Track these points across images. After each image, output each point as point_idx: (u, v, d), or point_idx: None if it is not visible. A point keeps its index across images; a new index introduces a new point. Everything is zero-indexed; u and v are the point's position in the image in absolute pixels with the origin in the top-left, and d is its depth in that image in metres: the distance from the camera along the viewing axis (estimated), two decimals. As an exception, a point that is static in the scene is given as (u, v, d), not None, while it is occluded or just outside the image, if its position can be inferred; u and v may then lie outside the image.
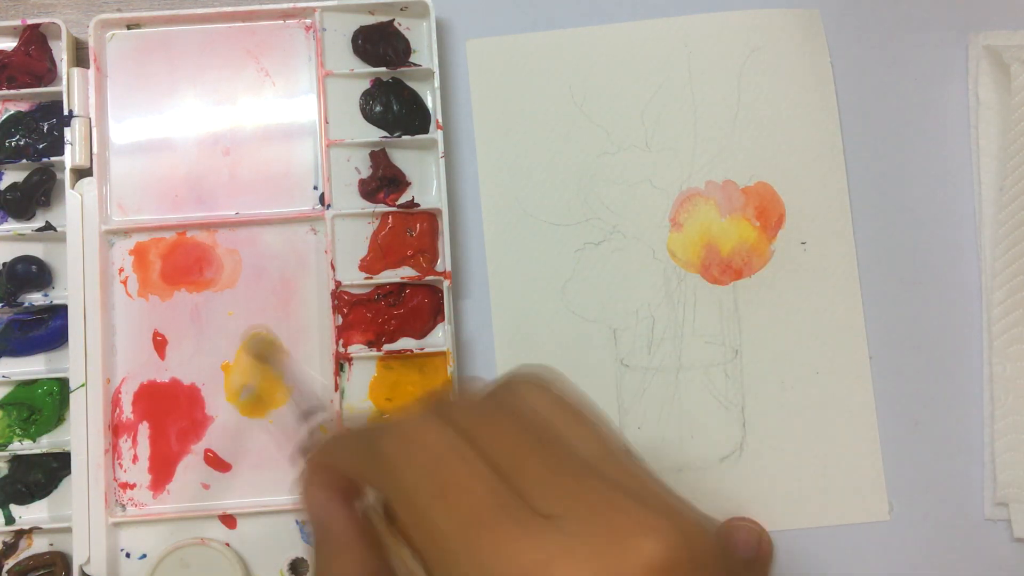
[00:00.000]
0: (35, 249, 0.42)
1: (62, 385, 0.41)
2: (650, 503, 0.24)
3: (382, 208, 0.42)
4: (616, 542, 0.22)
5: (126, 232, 0.42)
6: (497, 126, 0.44)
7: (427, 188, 0.42)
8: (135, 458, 0.41)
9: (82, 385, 0.40)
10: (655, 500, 0.24)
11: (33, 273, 0.41)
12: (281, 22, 0.43)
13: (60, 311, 0.41)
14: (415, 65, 0.43)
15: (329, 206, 0.42)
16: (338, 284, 0.41)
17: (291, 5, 0.43)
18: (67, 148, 0.41)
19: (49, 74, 0.42)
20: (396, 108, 0.43)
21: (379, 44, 0.43)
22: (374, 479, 0.26)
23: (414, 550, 0.25)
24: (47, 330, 0.41)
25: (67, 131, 0.41)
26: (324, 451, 0.29)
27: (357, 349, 0.41)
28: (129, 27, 0.43)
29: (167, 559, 0.39)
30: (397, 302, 0.42)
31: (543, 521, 0.22)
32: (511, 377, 0.27)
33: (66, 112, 0.41)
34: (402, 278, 0.41)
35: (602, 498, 0.23)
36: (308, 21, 0.43)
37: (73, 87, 0.41)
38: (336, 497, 0.28)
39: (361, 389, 0.41)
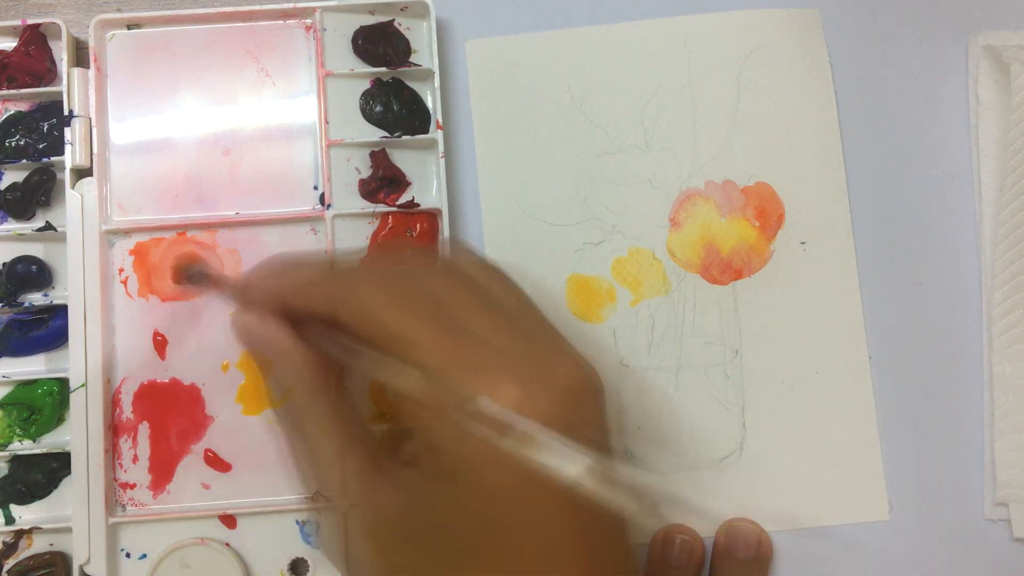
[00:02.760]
0: (35, 249, 0.42)
1: (62, 385, 0.41)
2: (564, 346, 0.31)
3: (382, 208, 0.42)
4: (543, 365, 0.29)
5: (126, 232, 0.42)
6: (497, 126, 0.44)
7: (427, 188, 0.42)
8: (135, 458, 0.41)
9: (82, 385, 0.40)
10: (567, 344, 0.32)
11: (33, 273, 0.41)
12: (281, 22, 0.43)
13: (60, 311, 0.41)
14: (415, 65, 0.43)
15: (329, 206, 0.42)
16: (338, 284, 0.41)
17: (291, 5, 0.43)
18: (67, 148, 0.41)
19: (49, 74, 0.42)
20: (396, 108, 0.43)
21: (379, 44, 0.43)
22: (350, 313, 0.31)
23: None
24: (47, 330, 0.41)
25: (67, 131, 0.41)
26: (267, 284, 0.34)
27: (357, 349, 0.41)
28: (129, 27, 0.43)
29: (167, 559, 0.39)
30: (397, 302, 0.42)
31: (488, 346, 0.29)
32: (456, 252, 0.34)
33: (66, 112, 0.41)
34: (402, 278, 0.41)
35: (530, 340, 0.30)
36: (308, 21, 0.43)
37: (73, 87, 0.41)
38: (281, 320, 0.33)
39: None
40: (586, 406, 0.30)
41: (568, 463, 0.27)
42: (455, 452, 0.28)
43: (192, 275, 0.41)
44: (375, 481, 0.31)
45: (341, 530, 0.32)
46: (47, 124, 0.42)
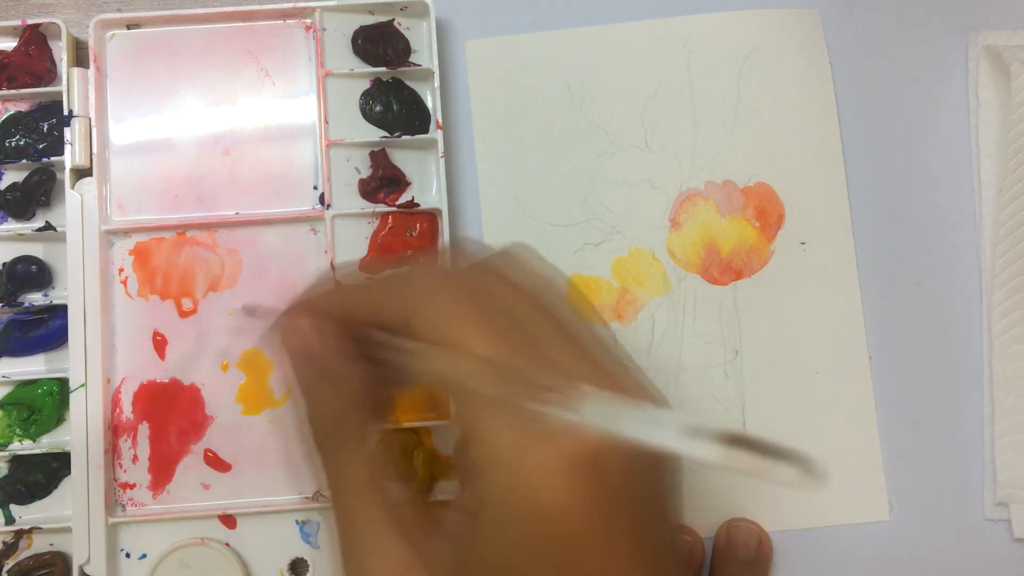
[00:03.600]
0: (35, 249, 0.42)
1: (62, 385, 0.41)
2: (640, 379, 0.27)
3: (382, 208, 0.42)
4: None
5: (126, 232, 0.42)
6: (497, 126, 0.44)
7: (427, 188, 0.42)
8: (135, 458, 0.41)
9: (82, 385, 0.40)
10: (639, 376, 0.27)
11: (33, 273, 0.41)
12: (281, 22, 0.43)
13: (60, 311, 0.41)
14: (415, 65, 0.43)
15: (329, 206, 0.42)
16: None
17: (291, 5, 0.43)
18: (67, 148, 0.41)
19: (49, 74, 0.42)
20: (396, 108, 0.43)
21: (379, 44, 0.43)
22: (394, 322, 0.28)
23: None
24: (47, 330, 0.41)
25: (67, 131, 0.41)
26: (326, 297, 0.32)
27: (357, 349, 0.41)
28: (129, 27, 0.43)
29: (167, 559, 0.39)
30: (397, 302, 0.42)
31: (563, 370, 0.26)
32: (503, 253, 0.30)
33: (66, 112, 0.41)
34: (402, 278, 0.41)
35: (601, 370, 0.26)
36: (308, 21, 0.43)
37: (73, 87, 0.41)
38: (328, 329, 0.30)
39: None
40: None
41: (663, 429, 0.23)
42: (514, 469, 0.24)
43: (247, 309, 0.41)
44: (430, 534, 0.28)
45: None
46: (47, 124, 0.42)
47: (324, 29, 0.43)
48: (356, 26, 0.43)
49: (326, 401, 0.30)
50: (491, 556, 0.25)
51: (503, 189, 0.43)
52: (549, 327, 0.27)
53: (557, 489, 0.24)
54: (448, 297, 0.28)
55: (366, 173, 0.42)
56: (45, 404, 0.41)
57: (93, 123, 0.41)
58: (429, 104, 0.43)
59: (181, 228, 0.42)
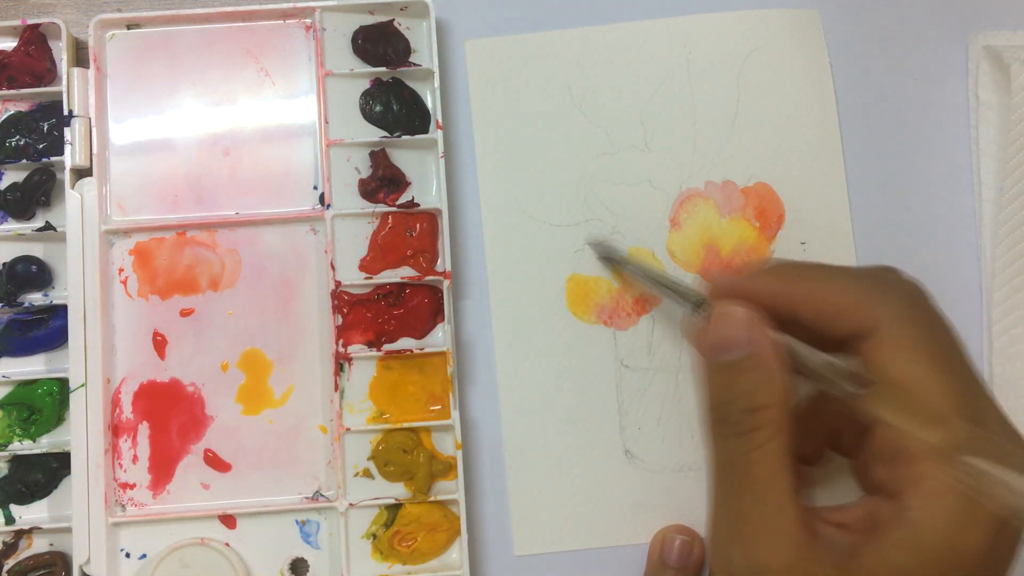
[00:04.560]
0: (35, 249, 0.42)
1: (62, 385, 0.41)
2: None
3: (382, 208, 0.42)
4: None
5: (126, 232, 0.42)
6: (496, 127, 0.44)
7: (427, 188, 0.42)
8: (135, 458, 0.41)
9: (82, 385, 0.40)
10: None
11: (33, 273, 0.41)
12: (281, 22, 0.43)
13: (60, 311, 0.41)
14: (415, 65, 0.43)
15: (329, 206, 0.42)
16: (338, 284, 0.41)
17: (291, 5, 0.43)
18: (67, 148, 0.41)
19: (49, 74, 0.42)
20: (396, 108, 0.43)
21: (379, 44, 0.43)
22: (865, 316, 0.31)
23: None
24: (47, 330, 0.41)
25: (67, 131, 0.41)
26: (762, 282, 0.33)
27: (357, 349, 0.41)
28: (129, 27, 0.43)
29: (167, 559, 0.39)
30: (397, 302, 0.42)
31: (983, 396, 0.31)
32: (921, 285, 0.33)
33: (66, 112, 0.41)
34: (402, 278, 0.41)
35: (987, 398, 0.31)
36: (308, 21, 0.43)
37: (73, 87, 0.41)
38: (758, 321, 0.32)
39: (361, 389, 0.41)
40: None
41: None
42: (946, 509, 0.28)
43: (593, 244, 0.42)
44: (809, 544, 0.30)
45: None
46: (47, 124, 0.42)
47: (324, 29, 0.43)
48: (356, 26, 0.43)
49: (755, 385, 0.31)
50: (884, 573, 0.29)
51: (503, 189, 0.43)
52: (975, 370, 0.31)
53: (984, 539, 0.28)
54: (919, 329, 0.30)
55: (366, 173, 0.42)
56: (45, 404, 0.41)
57: (93, 123, 0.41)
58: (429, 104, 0.43)
59: (181, 228, 0.42)
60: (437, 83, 0.42)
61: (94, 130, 0.41)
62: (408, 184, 0.42)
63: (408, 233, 0.42)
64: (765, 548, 0.30)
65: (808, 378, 0.32)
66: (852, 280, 0.32)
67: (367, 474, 0.41)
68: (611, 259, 0.42)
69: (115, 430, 0.41)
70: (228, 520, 0.40)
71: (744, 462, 0.31)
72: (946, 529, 0.28)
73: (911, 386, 0.30)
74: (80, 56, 0.43)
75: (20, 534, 0.40)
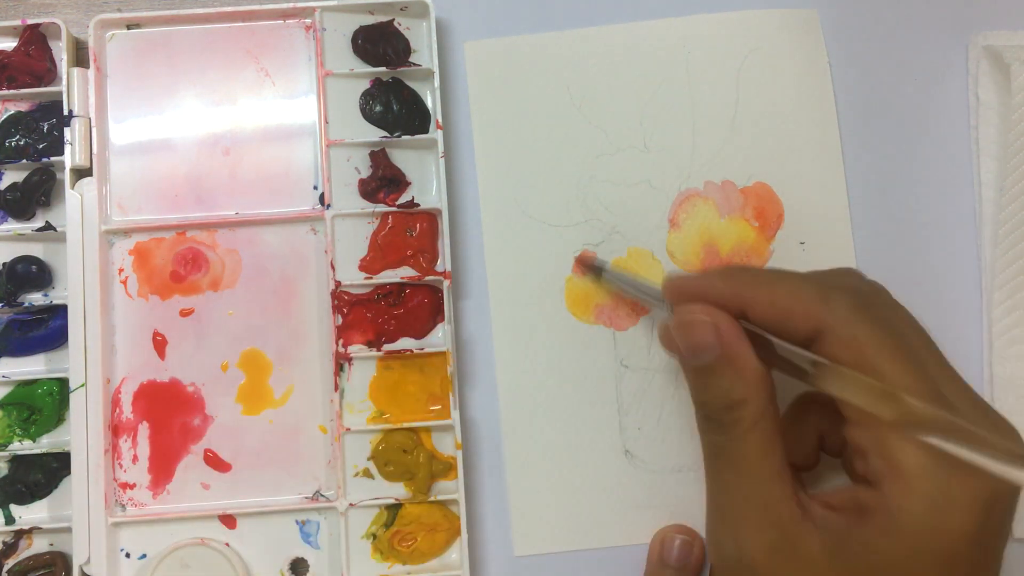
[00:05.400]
0: (35, 249, 0.42)
1: (62, 385, 0.41)
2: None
3: (382, 208, 0.42)
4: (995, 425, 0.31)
5: (126, 232, 0.42)
6: (495, 127, 0.44)
7: (427, 188, 0.42)
8: (135, 458, 0.41)
9: (82, 385, 0.40)
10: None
11: (33, 273, 0.41)
12: (281, 22, 0.43)
13: (60, 311, 0.41)
14: (415, 65, 0.43)
15: (329, 206, 0.42)
16: (338, 284, 0.41)
17: (291, 5, 0.43)
18: (67, 148, 0.41)
19: (49, 74, 0.42)
20: (396, 108, 0.43)
21: (379, 44, 0.43)
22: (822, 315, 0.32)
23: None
24: (47, 330, 0.41)
25: (67, 131, 0.41)
26: (720, 285, 0.34)
27: (357, 349, 0.41)
28: (129, 27, 0.43)
29: (167, 559, 0.39)
30: (397, 302, 0.42)
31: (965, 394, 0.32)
32: (876, 285, 0.35)
33: (66, 112, 0.41)
34: (402, 278, 0.41)
35: (973, 398, 0.32)
36: (308, 21, 0.43)
37: (73, 87, 0.41)
38: (723, 320, 0.33)
39: (361, 389, 0.41)
40: None
41: None
42: (930, 492, 0.29)
43: (596, 267, 0.42)
44: (800, 522, 0.31)
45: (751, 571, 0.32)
46: (47, 124, 0.42)
47: (324, 29, 0.43)
48: (356, 26, 0.43)
49: (729, 383, 0.32)
50: (872, 558, 0.30)
51: (503, 189, 0.43)
52: (942, 361, 0.32)
53: (968, 521, 0.29)
54: (869, 326, 0.31)
55: (366, 173, 0.42)
56: (45, 404, 0.41)
57: (93, 123, 0.41)
58: (429, 104, 0.43)
59: (181, 228, 0.42)
60: (437, 83, 0.42)
61: (94, 130, 0.41)
62: (408, 184, 0.42)
63: (408, 233, 0.42)
64: (751, 529, 0.31)
65: (772, 364, 0.33)
66: (800, 285, 0.33)
67: (367, 474, 0.41)
68: (593, 272, 0.42)
69: (115, 430, 0.41)
70: (228, 520, 0.40)
71: (729, 451, 0.33)
72: (925, 512, 0.29)
73: (864, 371, 0.31)
74: (80, 56, 0.43)
75: (20, 534, 0.40)
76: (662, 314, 0.38)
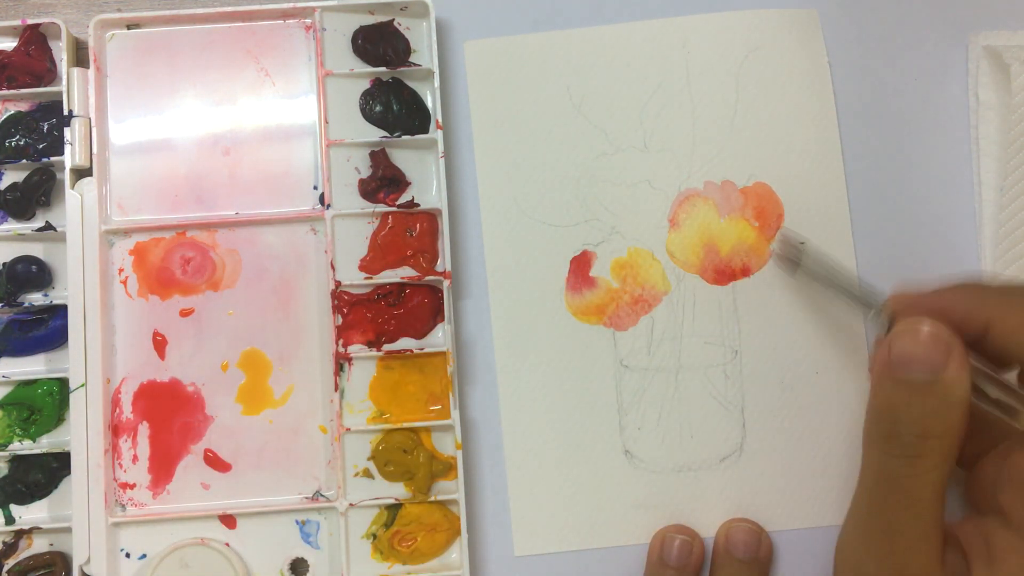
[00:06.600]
0: (35, 249, 0.42)
1: (62, 385, 0.41)
2: None
3: (382, 208, 0.42)
4: None
5: (126, 232, 0.42)
6: (496, 127, 0.44)
7: (427, 188, 0.42)
8: (135, 458, 0.41)
9: (82, 385, 0.40)
10: None
11: (33, 273, 0.41)
12: (281, 22, 0.43)
13: (60, 311, 0.41)
14: (415, 65, 0.43)
15: (329, 206, 0.42)
16: (338, 284, 0.41)
17: (291, 5, 0.43)
18: (67, 148, 0.41)
19: (49, 74, 0.42)
20: (396, 108, 0.43)
21: (379, 44, 0.43)
22: None
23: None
24: (47, 330, 0.41)
25: (67, 131, 0.41)
26: (948, 299, 0.32)
27: (357, 349, 0.41)
28: (129, 27, 0.43)
29: (167, 559, 0.39)
30: (397, 302, 0.42)
31: None
32: None
33: (66, 112, 0.41)
34: (402, 278, 0.41)
35: None
36: (308, 21, 0.43)
37: (73, 87, 0.41)
38: (950, 340, 0.30)
39: (361, 389, 0.41)
40: None
41: None
42: None
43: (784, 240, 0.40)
44: (941, 567, 0.30)
45: None
46: (47, 124, 0.42)
47: (324, 29, 0.43)
48: (356, 26, 0.43)
49: (936, 409, 0.30)
50: None
51: (503, 189, 0.43)
52: None
53: None
54: None
55: (366, 173, 0.42)
56: (45, 404, 0.41)
57: (93, 123, 0.42)
58: (429, 104, 0.43)
59: (181, 228, 0.42)
60: (437, 83, 0.42)
61: (94, 130, 0.41)
62: (408, 184, 0.42)
63: (408, 233, 0.42)
64: (917, 564, 0.30)
65: (981, 403, 0.31)
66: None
67: (367, 474, 0.41)
68: (788, 258, 0.41)
69: (115, 430, 0.41)
70: (228, 520, 0.40)
71: (907, 482, 0.30)
72: None
73: None
74: (80, 56, 0.43)
75: (20, 534, 0.40)
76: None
